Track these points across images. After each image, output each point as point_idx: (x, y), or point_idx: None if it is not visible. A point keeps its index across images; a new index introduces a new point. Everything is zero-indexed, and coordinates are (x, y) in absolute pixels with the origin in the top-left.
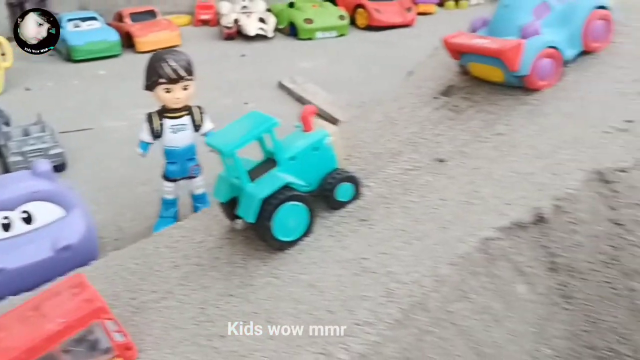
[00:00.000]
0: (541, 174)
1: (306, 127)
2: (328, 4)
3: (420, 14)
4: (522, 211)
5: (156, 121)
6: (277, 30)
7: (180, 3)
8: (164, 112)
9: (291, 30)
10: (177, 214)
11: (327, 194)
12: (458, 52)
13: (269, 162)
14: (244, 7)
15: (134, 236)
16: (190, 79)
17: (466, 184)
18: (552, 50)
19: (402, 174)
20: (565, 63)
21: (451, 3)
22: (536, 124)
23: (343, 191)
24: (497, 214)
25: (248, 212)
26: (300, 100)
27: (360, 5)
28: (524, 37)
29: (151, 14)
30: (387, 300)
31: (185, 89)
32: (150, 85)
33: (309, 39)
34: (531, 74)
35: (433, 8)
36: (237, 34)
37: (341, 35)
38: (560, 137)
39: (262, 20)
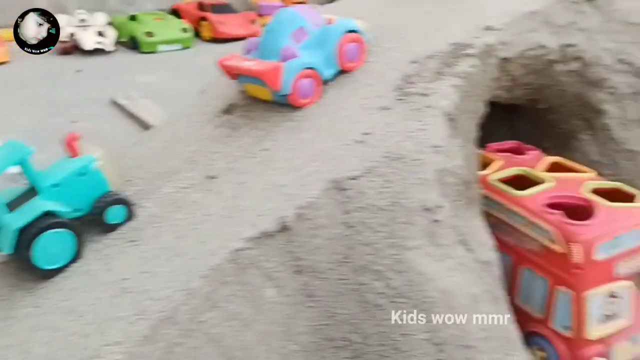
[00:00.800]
0: (291, 185)
1: (72, 153)
2: (171, 17)
3: (265, 25)
4: (270, 221)
5: None
6: (118, 43)
7: (13, 16)
8: None
9: (133, 44)
10: None
11: (97, 218)
12: (233, 74)
13: (33, 191)
14: (82, 20)
15: None
16: None
17: (230, 199)
18: (310, 71)
19: (177, 193)
20: (325, 82)
21: None
22: (295, 139)
23: (114, 214)
24: (250, 225)
25: (4, 243)
26: (133, 116)
27: (204, 18)
28: (283, 59)
29: None
30: (139, 319)
31: None
32: None
33: (152, 52)
34: (293, 93)
35: None
36: (74, 49)
37: (185, 48)
38: (313, 150)
39: (100, 34)
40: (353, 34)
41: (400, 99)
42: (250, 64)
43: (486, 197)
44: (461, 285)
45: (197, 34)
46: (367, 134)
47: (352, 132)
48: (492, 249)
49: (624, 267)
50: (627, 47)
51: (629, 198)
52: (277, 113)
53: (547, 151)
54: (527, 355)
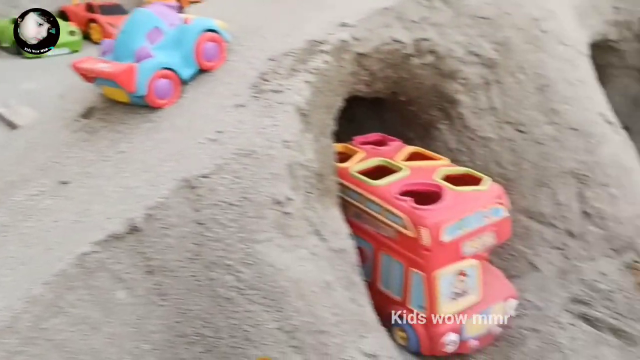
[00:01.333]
0: (143, 187)
1: None
2: (58, 19)
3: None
4: (119, 223)
5: None
6: (0, 49)
7: None
8: None
9: (17, 49)
10: None
11: None
12: (89, 77)
13: None
14: None
15: None
16: None
17: (81, 204)
18: (167, 71)
19: (28, 200)
20: (185, 82)
21: None
22: (152, 140)
23: None
24: (99, 229)
25: None
26: (12, 125)
27: (94, 20)
28: (137, 60)
29: None
30: None
31: None
32: None
33: (37, 57)
34: (149, 94)
35: None
36: None
37: (74, 51)
38: (168, 150)
39: None
40: (211, 33)
41: (255, 97)
42: (104, 66)
43: (348, 188)
44: (313, 273)
45: (87, 37)
46: (220, 132)
47: (207, 130)
48: (347, 237)
49: (471, 247)
50: (476, 39)
51: (477, 182)
52: (136, 115)
53: (412, 141)
54: (386, 336)
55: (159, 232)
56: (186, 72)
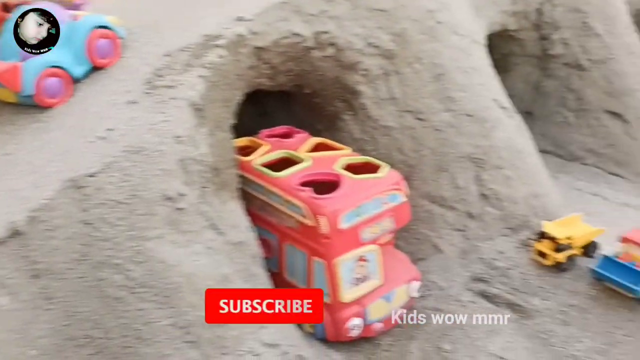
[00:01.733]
0: (28, 188)
1: None
2: None
3: None
4: (0, 227)
5: None
6: None
7: None
8: None
9: None
10: None
11: None
12: None
13: None
14: None
15: None
16: None
17: None
18: (56, 69)
19: None
20: (78, 80)
21: None
22: (40, 140)
23: None
24: None
25: None
26: None
27: None
28: (24, 59)
29: None
30: None
31: None
32: None
33: None
34: (38, 93)
35: None
36: None
37: None
38: (56, 150)
39: None
40: (103, 30)
41: (148, 93)
42: None
43: (251, 181)
44: (208, 267)
45: None
46: (111, 129)
47: (97, 128)
48: (246, 230)
49: (370, 232)
50: (375, 31)
51: (377, 170)
52: (25, 115)
53: (320, 133)
54: (290, 325)
55: (44, 234)
56: (78, 70)
